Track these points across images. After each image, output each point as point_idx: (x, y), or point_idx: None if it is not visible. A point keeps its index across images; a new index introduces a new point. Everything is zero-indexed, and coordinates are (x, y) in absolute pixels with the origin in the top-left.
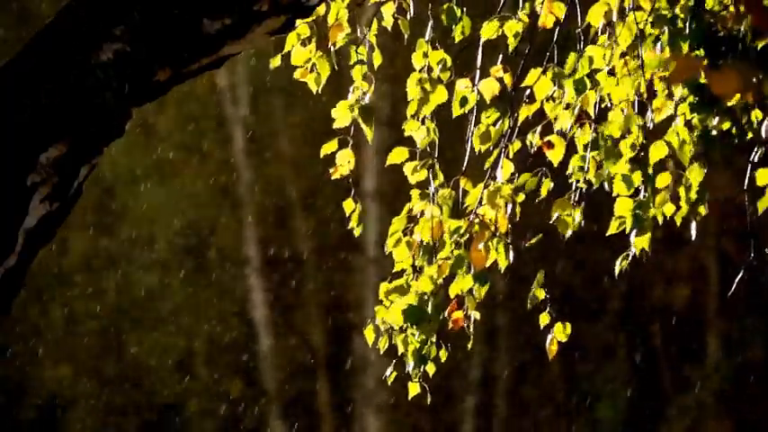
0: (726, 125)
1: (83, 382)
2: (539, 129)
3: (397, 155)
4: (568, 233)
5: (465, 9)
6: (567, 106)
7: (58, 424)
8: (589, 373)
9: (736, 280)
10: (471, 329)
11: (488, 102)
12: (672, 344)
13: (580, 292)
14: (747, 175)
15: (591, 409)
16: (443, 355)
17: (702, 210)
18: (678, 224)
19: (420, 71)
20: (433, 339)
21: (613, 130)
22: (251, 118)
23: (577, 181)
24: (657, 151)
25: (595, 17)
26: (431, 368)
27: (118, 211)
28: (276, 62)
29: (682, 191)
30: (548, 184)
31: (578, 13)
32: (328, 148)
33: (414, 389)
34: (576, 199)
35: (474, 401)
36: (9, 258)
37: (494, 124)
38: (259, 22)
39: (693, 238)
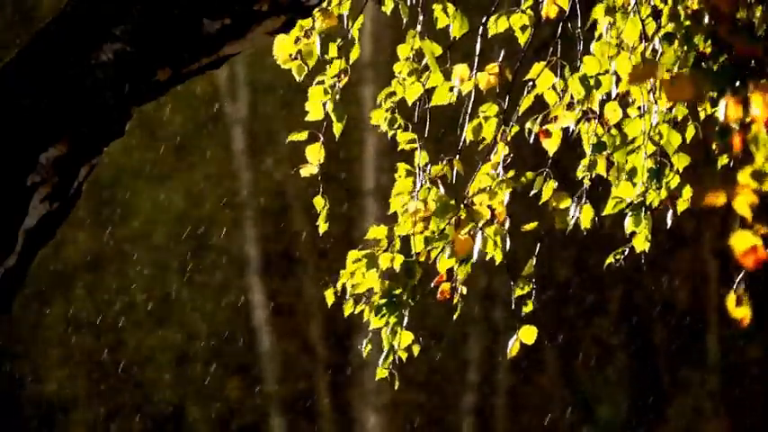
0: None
1: (82, 382)
2: (539, 117)
3: (377, 115)
4: (569, 227)
5: (459, 7)
6: (570, 105)
7: (57, 424)
8: (589, 374)
9: (737, 280)
10: (457, 301)
11: (485, 93)
12: (672, 344)
13: (580, 292)
14: None
15: (591, 409)
16: (416, 349)
17: (684, 203)
18: (655, 205)
19: (407, 60)
20: (403, 326)
21: (633, 130)
22: (251, 118)
23: (584, 178)
24: (633, 128)
25: (600, 13)
26: (402, 354)
27: (118, 210)
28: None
29: (664, 181)
30: (552, 185)
31: (578, 11)
32: (297, 136)
33: (381, 373)
34: (584, 197)
35: (473, 401)
36: (9, 258)
37: (487, 119)
38: (259, 22)
39: (669, 225)
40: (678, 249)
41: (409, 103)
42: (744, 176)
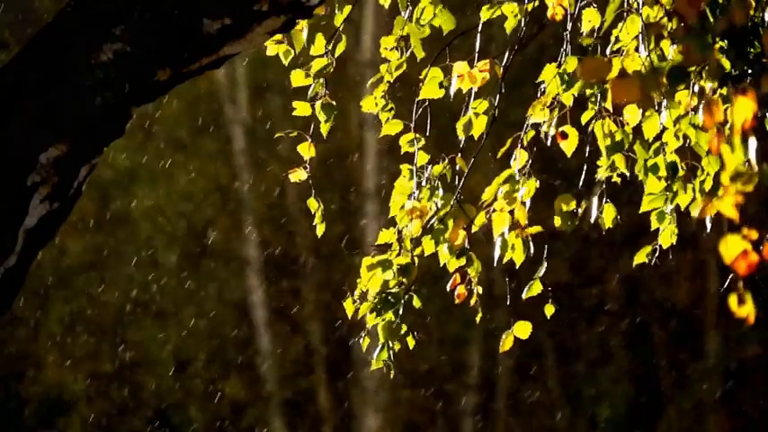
0: None
1: (82, 382)
2: (554, 119)
3: (392, 127)
4: (569, 229)
5: (450, 3)
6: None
7: (57, 424)
8: (589, 373)
9: (729, 279)
10: (474, 302)
11: (476, 90)
12: (672, 344)
13: (580, 292)
14: None
15: (591, 409)
16: (411, 342)
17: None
18: (692, 214)
19: (392, 50)
20: (398, 321)
21: (650, 130)
22: (251, 118)
23: (610, 177)
24: (651, 126)
25: (593, 15)
26: (396, 345)
27: (117, 210)
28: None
29: (696, 183)
30: (533, 184)
31: (568, 14)
32: (286, 134)
33: (377, 364)
34: (605, 197)
35: (473, 401)
36: (9, 258)
37: (478, 115)
38: (259, 22)
39: (708, 230)
40: (678, 249)
41: (390, 80)
42: (726, 178)
